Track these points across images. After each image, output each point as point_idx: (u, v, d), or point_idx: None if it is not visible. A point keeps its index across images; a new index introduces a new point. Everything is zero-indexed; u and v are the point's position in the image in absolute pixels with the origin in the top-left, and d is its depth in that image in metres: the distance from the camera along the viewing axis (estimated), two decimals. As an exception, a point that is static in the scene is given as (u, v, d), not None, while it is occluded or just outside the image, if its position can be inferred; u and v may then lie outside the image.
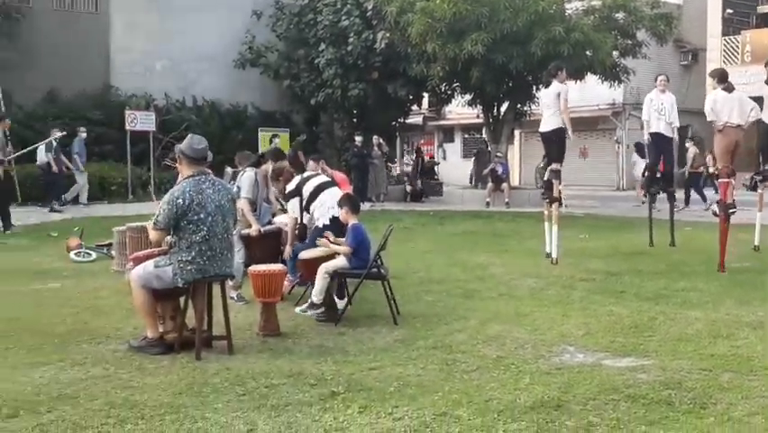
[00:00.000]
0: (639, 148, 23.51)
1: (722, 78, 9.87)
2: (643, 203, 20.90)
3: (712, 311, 7.03)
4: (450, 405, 4.39)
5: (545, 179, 10.83)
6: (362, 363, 5.44)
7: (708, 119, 9.80)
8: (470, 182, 26.49)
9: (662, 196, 12.14)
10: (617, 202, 22.51)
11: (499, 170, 21.69)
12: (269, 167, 8.04)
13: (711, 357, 5.45)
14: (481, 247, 11.95)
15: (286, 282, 7.40)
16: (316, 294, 6.82)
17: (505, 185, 21.56)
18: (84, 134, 19.96)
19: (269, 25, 25.07)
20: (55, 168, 18.22)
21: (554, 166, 10.42)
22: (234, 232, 7.34)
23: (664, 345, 5.84)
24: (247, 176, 7.80)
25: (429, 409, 4.30)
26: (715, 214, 9.79)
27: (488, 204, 20.94)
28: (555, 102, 10.08)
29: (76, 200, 19.31)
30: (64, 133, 18.25)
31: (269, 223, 8.10)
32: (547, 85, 10.39)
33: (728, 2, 31.78)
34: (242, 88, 26.07)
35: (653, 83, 11.54)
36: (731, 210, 9.46)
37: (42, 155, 18.19)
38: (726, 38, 31.16)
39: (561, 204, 10.89)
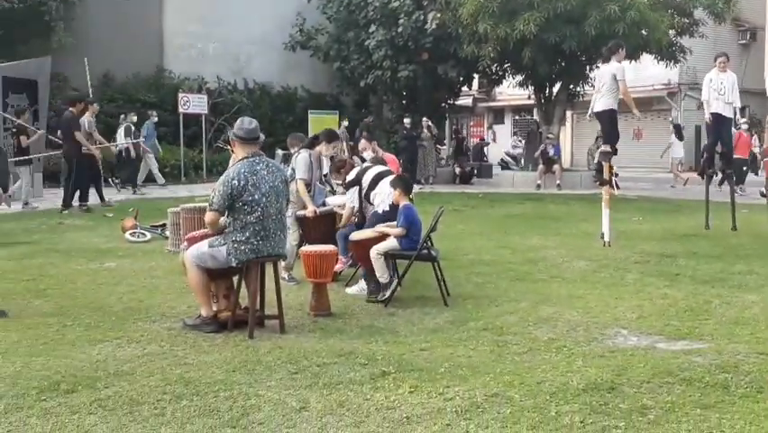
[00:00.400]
0: (678, 129, 23.11)
1: None
2: (672, 186, 20.55)
3: (770, 295, 6.87)
4: (501, 386, 4.37)
5: (595, 161, 10.64)
6: (413, 343, 5.45)
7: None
8: (517, 164, 26.03)
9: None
10: (668, 184, 22.07)
11: (551, 151, 21.44)
12: (322, 148, 8.08)
13: (769, 341, 5.33)
14: (532, 230, 11.85)
15: (339, 265, 7.45)
16: (381, 274, 6.80)
17: (556, 167, 21.31)
18: (155, 118, 20.56)
19: (320, 7, 25.09)
20: (134, 152, 18.71)
21: (605, 148, 10.24)
22: (288, 213, 7.44)
23: (720, 329, 5.73)
24: (302, 157, 7.85)
25: (480, 390, 4.30)
26: (762, 195, 9.55)
27: (538, 186, 20.74)
28: (610, 82, 9.84)
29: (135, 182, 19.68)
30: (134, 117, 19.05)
31: (323, 204, 8.15)
32: (606, 61, 10.13)
33: (790, -22, 30.78)
34: (293, 71, 26.20)
35: (710, 63, 11.25)
36: None
37: (122, 139, 18.71)
38: (788, 15, 30.19)
39: (613, 187, 10.72)
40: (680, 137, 22.97)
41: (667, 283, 7.48)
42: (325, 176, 8.96)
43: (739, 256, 8.99)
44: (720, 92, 10.67)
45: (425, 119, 22.63)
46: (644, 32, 18.80)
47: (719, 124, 10.96)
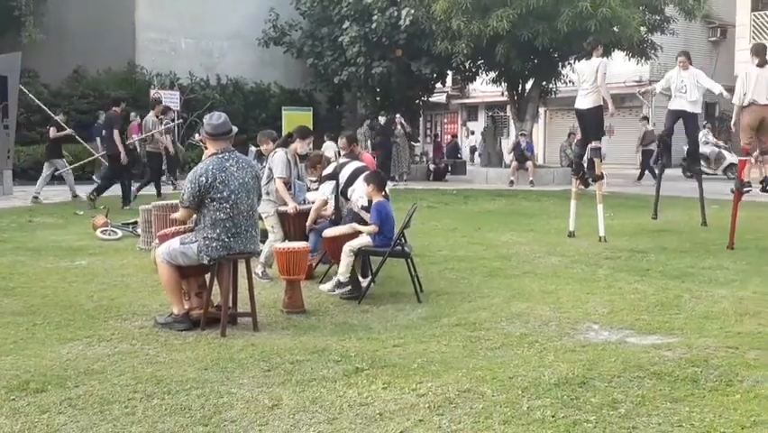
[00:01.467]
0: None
1: (756, 52, 9.63)
2: (512, 182, 20.63)
3: (739, 289, 6.97)
4: (474, 381, 4.39)
5: (587, 157, 10.65)
6: (386, 340, 5.46)
7: (733, 100, 9.62)
8: (472, 160, 25.81)
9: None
10: (643, 181, 22.28)
11: (523, 144, 21.53)
12: (296, 145, 8.05)
13: (738, 335, 5.40)
14: (506, 226, 11.91)
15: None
16: (343, 273, 6.85)
17: (529, 163, 21.41)
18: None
19: (293, 3, 25.00)
20: (171, 149, 18.64)
21: (595, 144, 10.30)
22: (271, 212, 7.45)
23: (690, 323, 5.80)
24: (278, 156, 7.81)
25: (453, 386, 4.31)
26: (732, 191, 9.68)
27: (512, 182, 20.84)
28: (594, 77, 9.87)
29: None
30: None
31: (305, 201, 8.13)
32: (588, 57, 10.14)
33: (759, -24, 31.18)
34: (266, 67, 26.09)
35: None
36: (746, 189, 9.34)
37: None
38: (756, 13, 30.57)
39: (586, 185, 10.80)
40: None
41: (638, 278, 7.56)
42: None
43: (709, 251, 9.10)
44: (682, 90, 10.69)
45: (398, 116, 22.64)
46: (615, 28, 18.93)
47: (678, 117, 10.97)
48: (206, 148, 5.92)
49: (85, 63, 23.42)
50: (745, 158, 9.43)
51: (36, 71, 22.41)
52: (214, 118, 5.82)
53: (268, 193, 7.52)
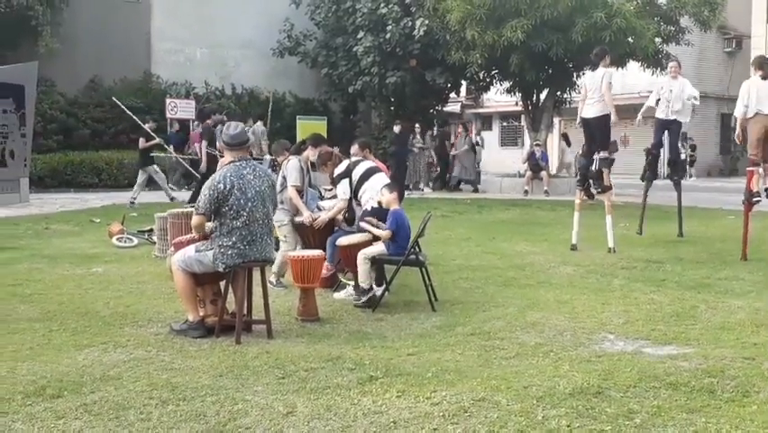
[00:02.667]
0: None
1: (760, 65, 9.61)
2: (526, 192, 20.54)
3: (755, 300, 6.92)
4: (489, 391, 4.38)
5: (596, 168, 10.63)
6: (400, 348, 5.46)
7: (735, 113, 9.67)
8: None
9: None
10: (658, 191, 22.14)
11: (538, 153, 21.51)
12: (309, 153, 8.07)
13: (754, 346, 5.36)
14: (520, 235, 11.88)
15: (323, 271, 7.41)
16: (363, 280, 6.83)
17: (544, 173, 21.38)
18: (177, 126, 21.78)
19: (308, 13, 25.10)
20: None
21: (603, 154, 10.29)
22: (285, 222, 7.44)
23: (706, 334, 5.77)
24: (292, 164, 7.83)
25: (467, 395, 4.30)
26: (743, 202, 9.65)
27: (526, 192, 20.80)
28: (600, 87, 9.91)
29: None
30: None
31: (318, 209, 8.11)
32: (594, 67, 10.21)
33: (775, -14, 31.11)
34: (281, 76, 26.19)
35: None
36: (756, 199, 9.32)
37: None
38: (773, 23, 30.47)
39: (590, 196, 10.78)
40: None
41: (653, 289, 7.52)
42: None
43: (725, 262, 9.05)
44: (669, 99, 10.78)
45: (417, 126, 22.69)
46: (630, 39, 18.90)
47: (665, 128, 11.06)
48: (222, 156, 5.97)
49: (100, 72, 23.63)
50: (752, 168, 9.38)
51: (53, 80, 22.63)
52: (231, 128, 5.88)
53: (282, 202, 7.53)
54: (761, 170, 9.42)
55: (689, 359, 5.03)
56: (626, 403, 4.17)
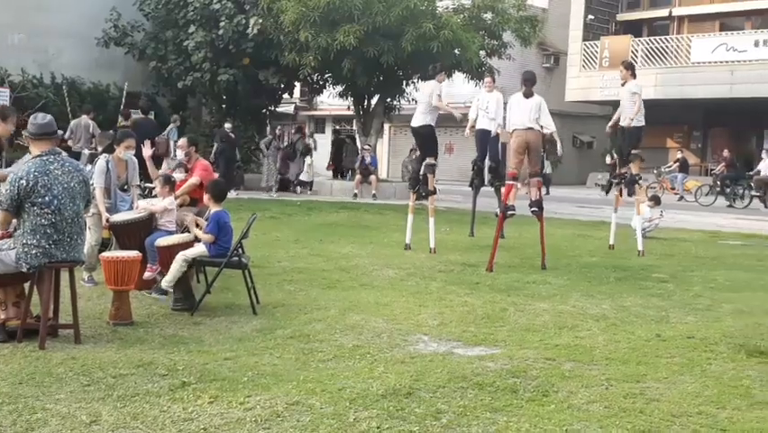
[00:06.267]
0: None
1: (524, 81, 9.94)
2: (355, 195, 21.45)
3: (559, 303, 7.38)
4: (303, 394, 4.39)
5: (421, 173, 11.00)
6: (217, 352, 5.36)
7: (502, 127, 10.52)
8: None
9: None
10: (480, 198, 23.12)
11: (368, 158, 21.88)
12: (120, 151, 7.71)
13: (556, 347, 5.71)
14: (347, 238, 12.02)
15: (148, 272, 7.15)
16: (168, 281, 6.66)
17: (373, 177, 21.73)
18: (178, 123, 20.69)
19: (136, 4, 24.17)
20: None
21: (429, 160, 10.75)
22: (90, 213, 7.06)
23: (513, 335, 6.08)
24: (98, 165, 7.51)
25: (282, 399, 4.29)
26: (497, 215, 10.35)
27: (355, 195, 21.06)
28: (429, 100, 10.50)
29: None
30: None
31: (131, 209, 7.76)
32: (430, 78, 10.86)
33: (590, 8, 33.38)
34: (105, 68, 25.01)
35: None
36: (510, 212, 9.76)
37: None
38: (586, 43, 32.70)
39: (420, 198, 11.19)
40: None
41: (468, 291, 7.84)
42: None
43: (534, 267, 9.59)
44: (486, 110, 11.64)
45: (278, 128, 22.57)
46: (456, 51, 19.66)
47: (485, 139, 12.00)
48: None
49: None
50: (510, 182, 9.81)
51: None
52: (39, 118, 5.53)
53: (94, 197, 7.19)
54: (519, 184, 9.94)
55: (495, 360, 5.28)
56: (434, 403, 4.32)
